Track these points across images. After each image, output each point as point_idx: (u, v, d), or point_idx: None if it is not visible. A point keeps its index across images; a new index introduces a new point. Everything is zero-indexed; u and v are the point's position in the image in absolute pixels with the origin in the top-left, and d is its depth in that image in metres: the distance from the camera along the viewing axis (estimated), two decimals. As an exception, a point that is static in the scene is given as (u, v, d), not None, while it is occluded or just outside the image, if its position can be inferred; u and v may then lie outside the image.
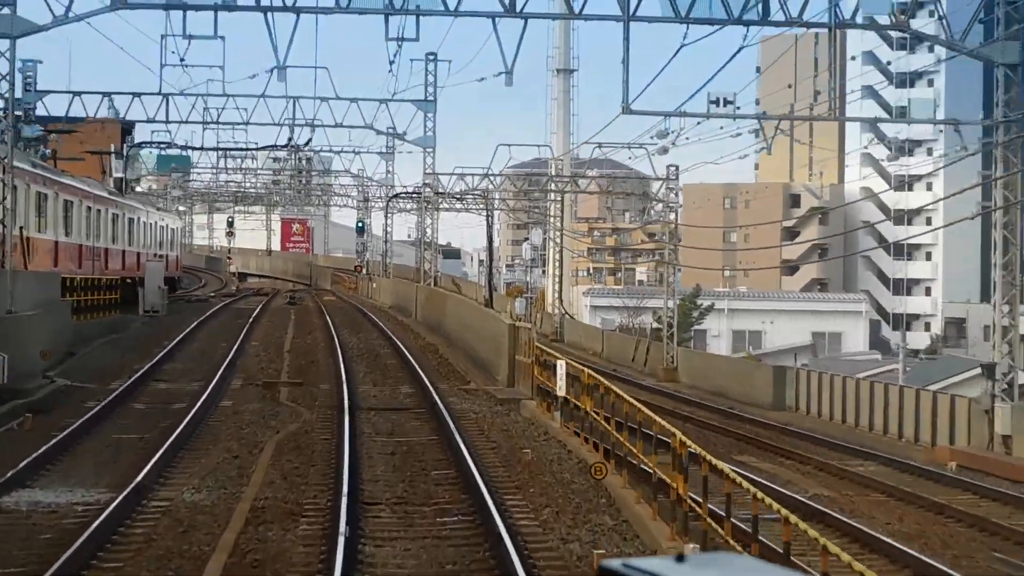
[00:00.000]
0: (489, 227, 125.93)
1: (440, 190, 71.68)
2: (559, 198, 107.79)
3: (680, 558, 2.44)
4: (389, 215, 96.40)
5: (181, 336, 52.12)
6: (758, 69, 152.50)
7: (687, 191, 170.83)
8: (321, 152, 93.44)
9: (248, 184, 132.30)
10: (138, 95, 68.54)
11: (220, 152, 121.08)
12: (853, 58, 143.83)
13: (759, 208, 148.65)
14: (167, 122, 69.46)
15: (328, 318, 66.68)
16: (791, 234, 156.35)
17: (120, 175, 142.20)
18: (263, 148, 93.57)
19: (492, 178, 70.35)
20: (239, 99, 69.15)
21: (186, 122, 69.05)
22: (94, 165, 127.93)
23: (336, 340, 52.27)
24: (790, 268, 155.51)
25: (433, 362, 46.87)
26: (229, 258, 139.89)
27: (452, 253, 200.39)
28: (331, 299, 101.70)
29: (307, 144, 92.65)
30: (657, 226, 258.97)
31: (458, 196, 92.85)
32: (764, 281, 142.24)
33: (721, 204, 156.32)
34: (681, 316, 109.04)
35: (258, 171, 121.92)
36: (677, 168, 68.86)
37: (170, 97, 69.09)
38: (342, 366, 42.71)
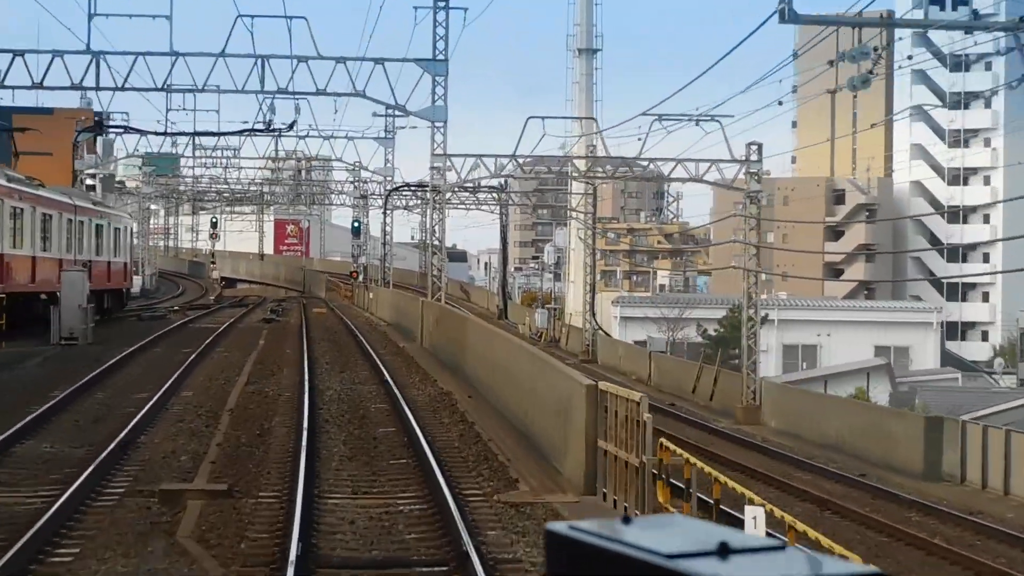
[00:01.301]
0: (503, 226, 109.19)
1: (453, 177, 54.65)
2: (582, 190, 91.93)
3: (626, 520, 2.35)
4: (388, 213, 79.71)
5: (82, 382, 35.21)
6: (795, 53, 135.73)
7: (716, 188, 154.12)
8: (308, 136, 76.76)
9: (235, 180, 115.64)
10: (59, 54, 51.89)
11: (190, 140, 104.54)
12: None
13: (799, 205, 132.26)
14: (98, 89, 52.75)
15: (307, 345, 50.05)
16: (835, 234, 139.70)
17: (92, 170, 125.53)
18: (237, 133, 76.89)
19: (517, 161, 53.15)
20: (192, 59, 52.29)
21: (124, 89, 52.37)
22: (62, 162, 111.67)
23: (307, 385, 35.41)
24: (834, 272, 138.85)
25: (453, 432, 29.60)
26: (212, 263, 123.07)
27: (458, 256, 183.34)
28: (320, 312, 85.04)
29: (291, 127, 76.17)
30: (674, 226, 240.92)
31: (472, 187, 76.22)
32: (804, 287, 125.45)
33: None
34: (730, 330, 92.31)
35: (241, 166, 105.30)
36: (760, 147, 52.04)
37: (102, 56, 52.55)
38: (304, 440, 25.86)
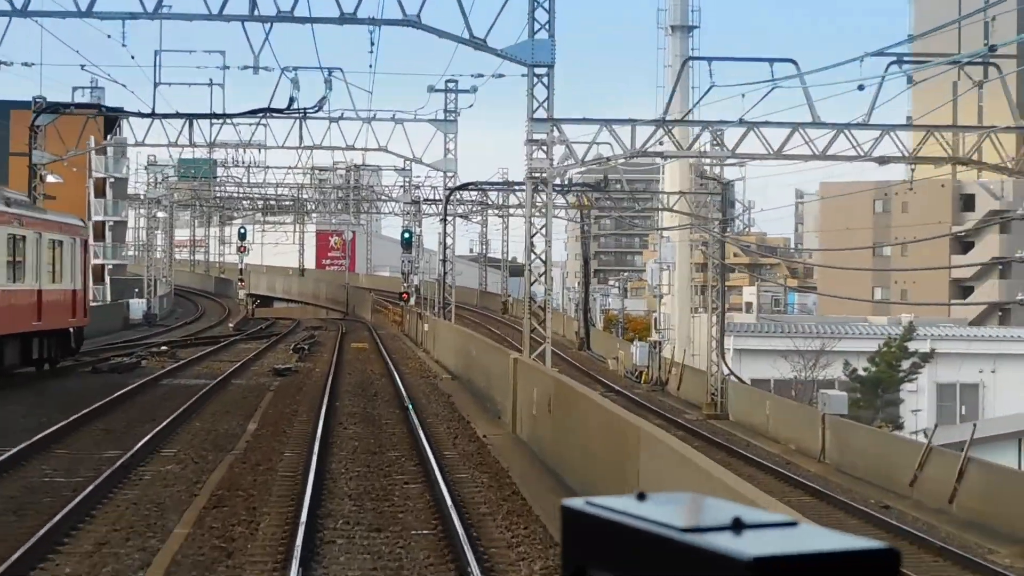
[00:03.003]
0: (585, 234, 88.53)
1: (552, 154, 33.59)
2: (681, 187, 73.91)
3: (642, 496, 2.51)
4: (449, 220, 59.39)
5: None
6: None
7: (825, 191, 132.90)
8: (342, 119, 56.51)
9: (266, 184, 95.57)
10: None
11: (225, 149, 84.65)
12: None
13: (920, 213, 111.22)
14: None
15: (322, 432, 29.31)
16: (963, 246, 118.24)
17: (101, 175, 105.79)
18: (249, 114, 56.70)
19: (667, 128, 32.58)
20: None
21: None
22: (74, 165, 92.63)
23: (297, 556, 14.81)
24: (961, 291, 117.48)
25: None
26: (240, 280, 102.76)
27: (518, 270, 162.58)
28: (360, 347, 64.72)
29: (318, 107, 56.15)
30: (751, 238, 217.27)
31: (563, 186, 56.41)
32: (926, 307, 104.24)
33: (871, 208, 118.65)
34: (885, 369, 71.22)
35: (268, 165, 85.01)
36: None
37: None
38: None
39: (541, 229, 33.07)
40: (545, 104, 32.05)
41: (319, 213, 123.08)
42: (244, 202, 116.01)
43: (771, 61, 33.12)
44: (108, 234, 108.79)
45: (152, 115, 56.50)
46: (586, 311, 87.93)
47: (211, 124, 57.66)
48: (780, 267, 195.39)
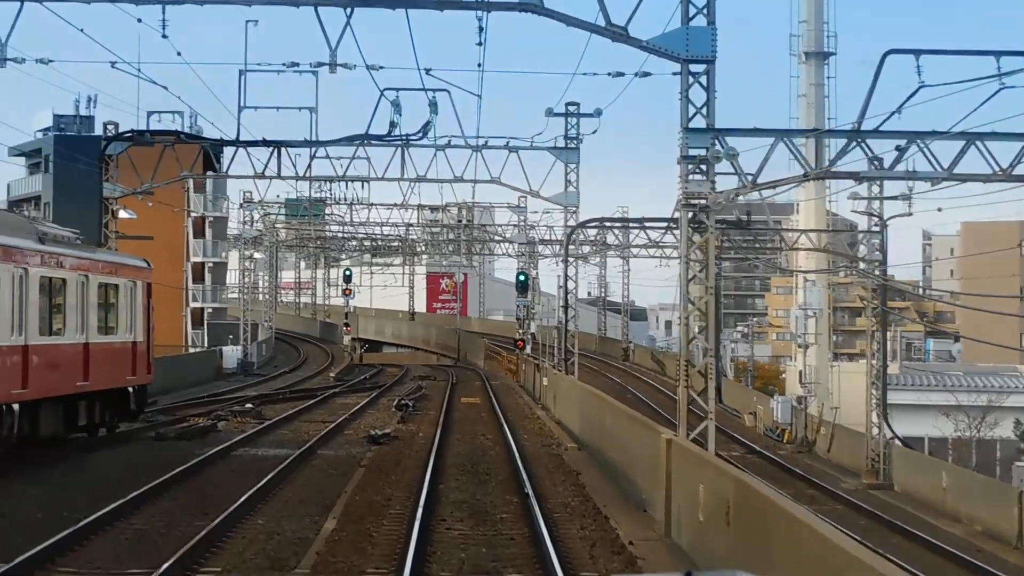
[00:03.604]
0: (717, 276, 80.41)
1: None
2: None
3: (688, 574, 2.83)
4: (570, 262, 52.13)
5: None
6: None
7: (966, 232, 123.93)
8: (449, 146, 49.51)
9: (373, 224, 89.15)
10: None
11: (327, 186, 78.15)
12: None
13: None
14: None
15: (419, 523, 22.18)
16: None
17: (198, 213, 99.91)
18: (346, 141, 49.95)
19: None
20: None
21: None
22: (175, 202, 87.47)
23: None
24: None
25: None
26: (346, 325, 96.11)
27: (637, 313, 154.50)
28: (472, 403, 57.78)
29: (423, 133, 49.56)
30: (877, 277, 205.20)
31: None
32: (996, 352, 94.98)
33: (1019, 249, 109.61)
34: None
35: (372, 202, 78.35)
36: None
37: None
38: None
39: (699, 272, 25.61)
40: (704, 110, 24.74)
41: (428, 254, 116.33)
42: (350, 242, 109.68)
43: (997, 55, 25.57)
44: (207, 276, 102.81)
45: (237, 142, 49.92)
46: (717, 360, 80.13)
47: (306, 154, 50.92)
48: (909, 311, 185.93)
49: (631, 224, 51.22)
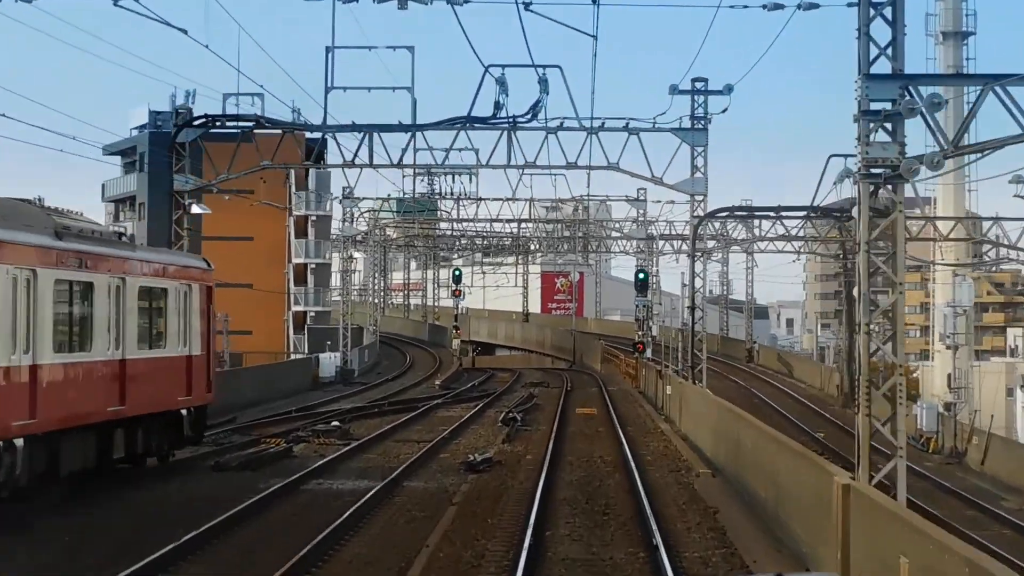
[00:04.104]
0: (848, 271, 73.65)
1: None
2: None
3: None
4: (698, 257, 45.90)
5: None
6: None
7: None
8: (561, 128, 43.56)
9: (482, 220, 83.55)
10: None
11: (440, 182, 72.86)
12: None
13: None
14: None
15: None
16: None
17: (300, 213, 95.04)
18: (447, 124, 44.22)
19: None
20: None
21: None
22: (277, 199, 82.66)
23: None
24: None
25: None
26: (455, 328, 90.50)
27: (759, 311, 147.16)
28: (587, 414, 51.98)
29: (532, 114, 44.17)
30: (1004, 276, 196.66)
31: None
32: None
33: None
34: None
35: (480, 197, 72.67)
36: None
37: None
38: None
39: (886, 262, 19.33)
40: (889, 51, 18.53)
41: (542, 252, 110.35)
42: (460, 240, 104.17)
43: None
44: (310, 278, 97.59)
45: (324, 126, 44.37)
46: (850, 362, 73.47)
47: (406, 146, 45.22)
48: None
49: (768, 214, 44.79)
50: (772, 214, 44.87)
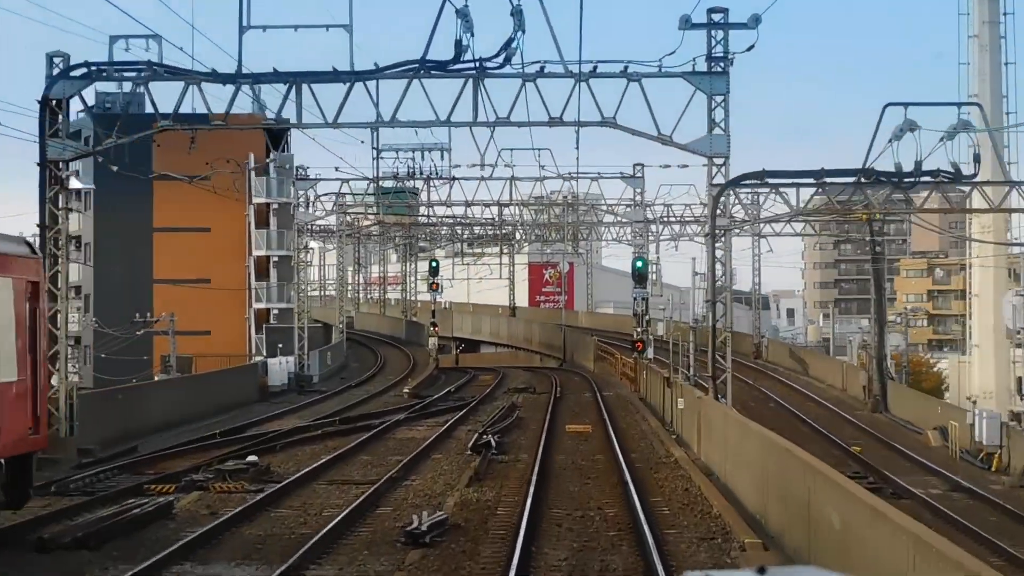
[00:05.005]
0: (878, 254, 62.52)
1: None
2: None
3: (761, 570, 2.59)
4: (719, 235, 35.58)
5: None
6: None
7: None
8: (541, 76, 33.35)
9: (456, 204, 73.27)
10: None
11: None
12: None
13: None
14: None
15: None
16: None
17: (261, 200, 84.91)
18: (397, 71, 34.00)
19: None
20: None
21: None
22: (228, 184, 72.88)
23: None
24: None
25: None
26: (434, 324, 79.90)
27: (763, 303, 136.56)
28: (580, 432, 41.80)
29: (504, 56, 34.25)
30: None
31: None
32: None
33: None
34: None
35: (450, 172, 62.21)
36: None
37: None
38: None
39: None
40: None
41: (527, 240, 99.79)
42: (439, 229, 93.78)
43: None
44: (273, 272, 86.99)
45: (237, 76, 34.07)
46: (881, 360, 63.29)
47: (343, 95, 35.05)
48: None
49: (806, 181, 34.46)
50: (812, 180, 34.46)
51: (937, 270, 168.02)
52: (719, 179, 35.01)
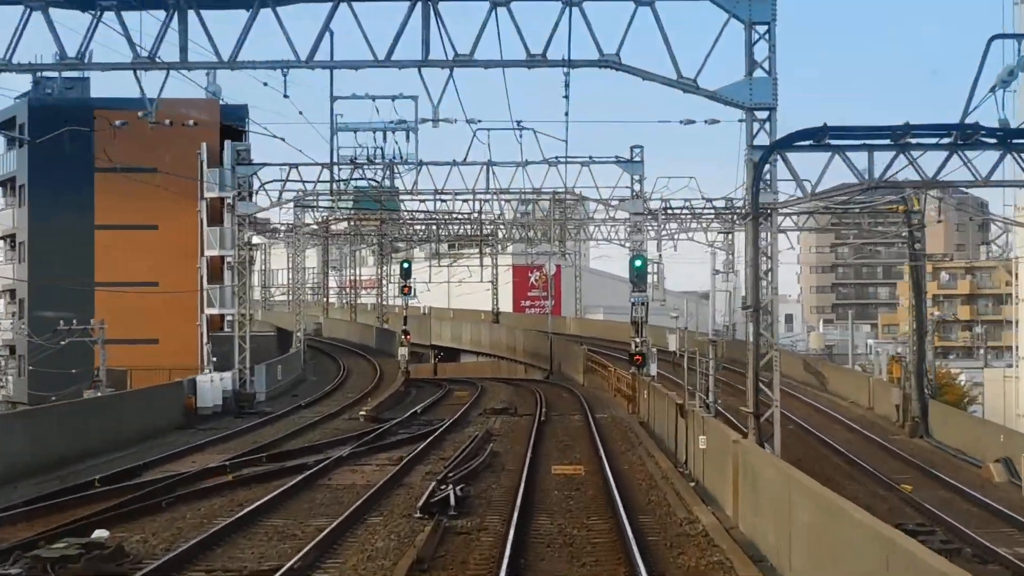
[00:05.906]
0: (917, 251, 51.58)
1: None
2: None
3: None
4: (763, 218, 25.47)
5: None
6: None
7: None
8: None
9: (425, 195, 63.24)
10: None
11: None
12: None
13: None
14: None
15: None
16: None
17: (215, 195, 75.15)
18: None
19: None
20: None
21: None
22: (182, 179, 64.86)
23: None
24: None
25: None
26: (405, 332, 69.66)
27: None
28: (570, 475, 31.46)
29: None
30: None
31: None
32: None
33: None
34: None
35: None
36: None
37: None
38: None
39: None
40: None
41: (510, 239, 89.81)
42: (414, 227, 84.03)
43: None
44: (227, 274, 77.00)
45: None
46: (921, 375, 53.47)
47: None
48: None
49: (882, 141, 24.80)
50: (889, 140, 24.52)
51: (943, 274, 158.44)
52: (762, 139, 24.95)
